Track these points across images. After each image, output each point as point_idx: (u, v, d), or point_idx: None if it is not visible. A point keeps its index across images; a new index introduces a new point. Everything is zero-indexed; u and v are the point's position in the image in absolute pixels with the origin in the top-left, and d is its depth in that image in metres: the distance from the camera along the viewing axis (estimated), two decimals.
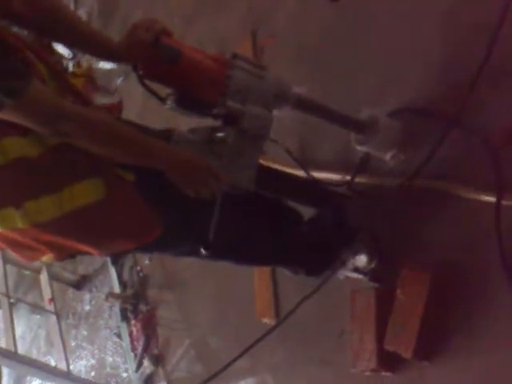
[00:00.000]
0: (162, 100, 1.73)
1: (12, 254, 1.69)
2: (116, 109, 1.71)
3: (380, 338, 1.86)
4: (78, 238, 1.58)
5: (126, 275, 3.53)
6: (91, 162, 1.50)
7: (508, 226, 1.66)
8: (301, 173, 2.15)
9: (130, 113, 3.27)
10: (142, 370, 3.28)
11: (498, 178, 1.69)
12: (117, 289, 3.52)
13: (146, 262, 3.36)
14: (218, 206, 1.63)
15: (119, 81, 3.00)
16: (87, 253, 1.66)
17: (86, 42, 1.63)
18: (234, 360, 2.08)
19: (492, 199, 1.70)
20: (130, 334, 3.47)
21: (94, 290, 3.96)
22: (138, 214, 1.59)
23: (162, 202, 1.62)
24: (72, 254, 1.67)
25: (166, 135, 1.68)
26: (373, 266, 1.96)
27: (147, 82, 1.71)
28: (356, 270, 1.99)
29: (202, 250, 1.66)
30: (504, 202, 1.67)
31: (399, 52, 2.10)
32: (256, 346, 2.12)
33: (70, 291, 4.20)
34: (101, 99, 1.72)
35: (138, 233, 1.62)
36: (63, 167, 1.50)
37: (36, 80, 1.36)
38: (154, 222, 1.61)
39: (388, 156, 2.03)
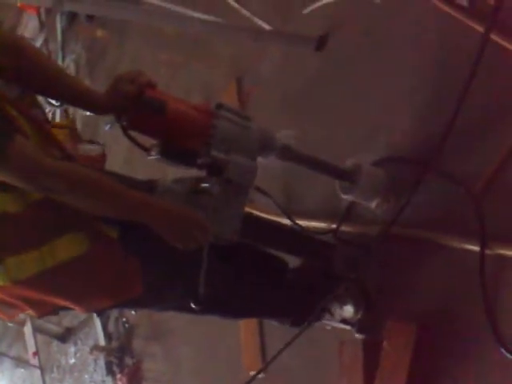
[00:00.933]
0: (146, 150, 1.73)
1: None
2: (99, 160, 1.70)
3: None
4: (58, 294, 1.56)
5: (111, 327, 3.47)
6: (73, 216, 1.49)
7: (492, 275, 1.66)
8: (286, 221, 2.15)
9: (117, 159, 3.31)
10: None
11: (481, 227, 1.70)
12: (102, 341, 3.46)
13: (132, 312, 3.31)
14: (206, 259, 1.61)
15: (106, 127, 3.01)
16: (69, 308, 1.63)
17: (70, 94, 1.63)
18: None
19: (476, 248, 1.70)
20: None
21: (78, 342, 3.88)
22: (120, 271, 1.57)
23: (145, 259, 1.60)
24: (53, 311, 1.64)
25: (150, 186, 1.68)
26: (359, 316, 1.94)
27: (131, 132, 1.72)
28: (343, 320, 1.97)
29: (193, 305, 1.64)
30: (488, 251, 1.67)
31: (382, 101, 2.14)
32: None
33: (55, 344, 4.12)
34: (84, 150, 1.72)
35: (118, 290, 1.60)
36: (45, 222, 1.48)
37: (19, 136, 1.36)
38: (136, 280, 1.59)
39: (373, 204, 2.03)
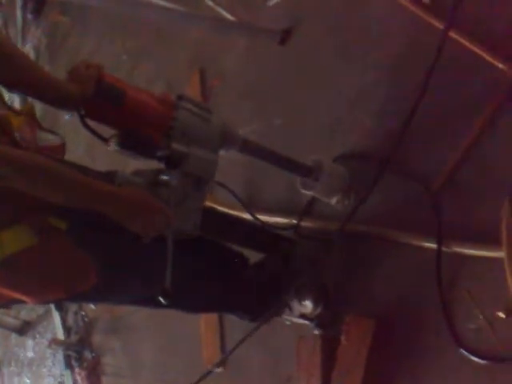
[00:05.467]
0: (105, 141, 1.69)
1: None
2: (58, 150, 1.65)
3: None
4: (8, 286, 1.52)
5: (70, 320, 3.41)
6: (21, 209, 1.45)
7: (449, 272, 1.67)
8: (247, 216, 2.14)
9: (78, 150, 3.24)
10: None
11: (438, 225, 1.71)
12: (61, 335, 3.40)
13: (92, 306, 3.26)
14: (171, 249, 1.58)
15: (67, 117, 2.95)
16: (21, 301, 1.59)
17: (40, 89, 1.56)
18: None
19: (433, 246, 1.71)
20: (75, 383, 3.33)
21: (37, 336, 3.81)
22: (71, 263, 1.54)
23: (98, 250, 1.57)
24: (5, 304, 1.60)
25: (108, 178, 1.64)
26: (318, 312, 1.94)
27: (90, 122, 1.68)
28: (302, 316, 1.97)
29: (161, 299, 1.61)
30: (445, 249, 1.69)
31: (345, 97, 2.14)
32: None
33: (13, 337, 4.03)
34: (42, 139, 1.67)
35: (70, 282, 1.57)
36: None
37: None
38: (88, 272, 1.56)
39: (333, 200, 2.03)
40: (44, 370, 3.70)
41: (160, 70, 3.13)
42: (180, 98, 1.77)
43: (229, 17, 2.63)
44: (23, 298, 1.56)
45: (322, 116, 2.20)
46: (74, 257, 1.54)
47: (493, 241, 1.55)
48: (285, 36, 2.46)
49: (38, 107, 1.73)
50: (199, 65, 2.88)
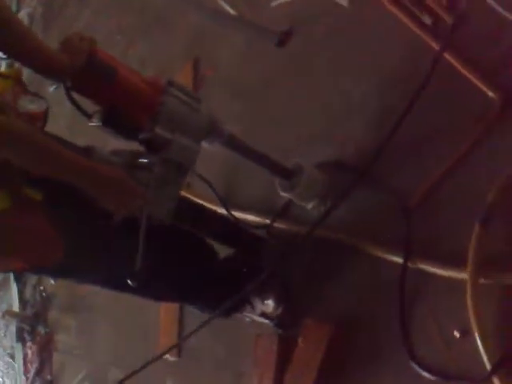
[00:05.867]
0: (88, 116, 1.68)
1: None
2: (40, 118, 1.63)
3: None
4: None
5: (27, 293, 3.37)
6: None
7: (411, 287, 1.70)
8: (222, 210, 2.14)
9: (58, 123, 3.20)
10: None
11: (407, 241, 1.74)
12: (16, 307, 3.35)
13: (51, 281, 3.22)
14: (143, 235, 1.57)
15: (52, 88, 2.92)
16: None
17: (33, 57, 1.54)
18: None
19: (399, 260, 1.73)
20: (25, 356, 3.29)
21: None
22: (40, 234, 1.53)
23: (68, 226, 1.55)
24: None
25: (87, 153, 1.63)
26: (279, 312, 1.95)
27: (75, 96, 1.66)
28: (262, 314, 1.98)
29: (129, 282, 1.60)
30: (410, 265, 1.71)
31: (335, 104, 2.16)
32: (155, 377, 2.04)
33: None
34: (26, 105, 1.64)
35: (36, 253, 1.55)
36: None
37: None
38: (56, 246, 1.55)
39: (309, 205, 2.05)
40: None
41: (154, 53, 3.11)
42: (170, 83, 1.76)
43: (231, 11, 2.63)
44: None
45: (308, 122, 2.22)
46: (43, 230, 1.52)
47: (458, 262, 1.58)
48: (283, 38, 2.47)
49: (24, 75, 1.70)
50: (194, 53, 2.88)
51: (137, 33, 3.34)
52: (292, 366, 1.83)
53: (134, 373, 1.96)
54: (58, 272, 1.68)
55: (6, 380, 3.45)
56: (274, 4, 2.58)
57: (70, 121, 3.15)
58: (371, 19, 2.17)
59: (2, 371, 3.49)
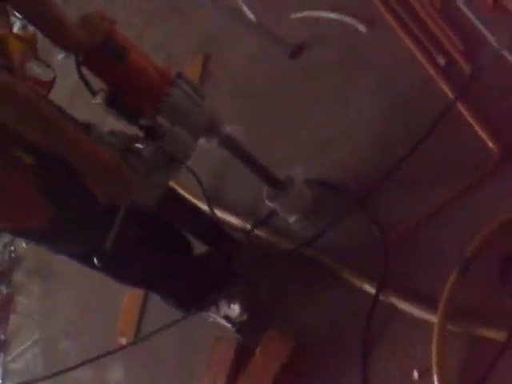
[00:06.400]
0: (93, 93, 1.69)
1: None
2: (45, 86, 1.63)
3: None
4: None
5: None
6: None
7: (379, 319, 1.72)
8: (205, 207, 2.15)
9: (60, 94, 3.18)
10: None
11: (383, 273, 1.76)
12: None
13: (23, 244, 3.21)
14: (121, 218, 1.58)
15: (60, 57, 2.91)
16: None
17: (50, 24, 1.54)
18: (74, 368, 2.00)
19: (372, 291, 1.76)
20: None
21: None
22: (27, 197, 1.52)
23: (56, 194, 1.55)
24: None
25: (85, 129, 1.64)
26: (243, 318, 1.97)
27: (84, 70, 1.67)
28: (226, 317, 1.99)
29: (95, 260, 1.61)
30: (382, 298, 1.73)
31: (338, 125, 2.17)
32: (105, 362, 2.06)
33: None
34: (34, 70, 1.64)
35: (21, 215, 1.55)
36: None
37: None
38: (42, 211, 1.54)
39: (292, 219, 2.07)
40: None
41: (167, 40, 3.12)
42: (179, 76, 1.78)
43: (250, 15, 2.65)
44: None
45: (308, 137, 2.24)
46: (31, 193, 1.51)
47: (430, 304, 1.60)
48: (296, 51, 2.49)
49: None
50: (206, 49, 2.89)
51: (155, 18, 3.34)
52: (246, 373, 1.84)
53: (91, 360, 1.97)
54: (38, 238, 1.68)
55: None
56: (293, 16, 2.61)
57: (72, 93, 3.15)
58: (386, 50, 2.20)
59: None
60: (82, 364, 2.00)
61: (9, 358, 3.02)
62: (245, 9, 2.67)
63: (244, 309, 1.96)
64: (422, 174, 1.84)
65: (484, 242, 1.59)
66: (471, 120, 1.83)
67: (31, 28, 1.75)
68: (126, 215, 1.61)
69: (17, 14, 1.52)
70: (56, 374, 2.09)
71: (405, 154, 1.85)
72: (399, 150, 1.89)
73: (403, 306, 1.68)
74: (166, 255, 1.92)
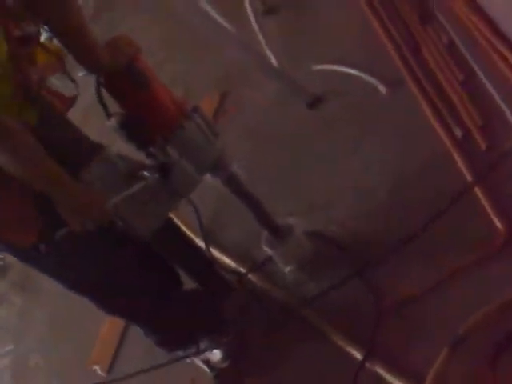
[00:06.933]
0: (108, 115, 1.68)
1: None
2: (67, 101, 1.62)
3: None
4: None
5: None
6: None
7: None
8: (201, 244, 2.11)
9: (75, 108, 3.18)
10: None
11: (371, 340, 1.72)
12: None
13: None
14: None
15: (80, 74, 2.90)
16: None
17: (78, 45, 1.53)
18: None
19: (359, 357, 1.71)
20: None
21: None
22: (20, 213, 1.50)
23: (50, 214, 1.51)
24: None
25: (95, 148, 1.63)
26: (223, 365, 1.91)
27: (103, 92, 1.66)
28: (206, 362, 1.93)
29: (41, 245, 1.55)
30: (368, 365, 1.69)
31: (345, 183, 2.16)
32: None
33: None
34: (56, 85, 1.64)
35: (10, 232, 1.52)
36: None
37: None
38: (31, 229, 1.52)
39: (287, 268, 2.03)
40: None
41: (187, 74, 3.13)
42: (195, 110, 1.77)
43: (273, 60, 2.66)
44: None
45: (314, 189, 2.22)
46: (25, 208, 1.49)
47: (415, 378, 1.57)
48: (314, 101, 2.49)
49: None
50: (224, 86, 2.90)
51: (177, 49, 3.36)
52: None
53: None
54: (23, 257, 1.64)
55: None
56: (315, 67, 2.63)
57: (85, 110, 3.14)
58: (403, 114, 2.20)
59: None
60: None
61: None
62: (268, 53, 2.69)
63: (226, 356, 1.90)
64: (425, 246, 1.81)
65: (478, 322, 1.56)
66: (484, 201, 1.81)
67: (55, 41, 1.75)
68: (114, 238, 1.58)
69: (45, 26, 1.52)
70: None
71: (412, 229, 1.82)
72: (406, 220, 1.88)
73: (389, 377, 1.64)
74: (153, 284, 1.87)
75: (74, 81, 1.62)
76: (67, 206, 1.47)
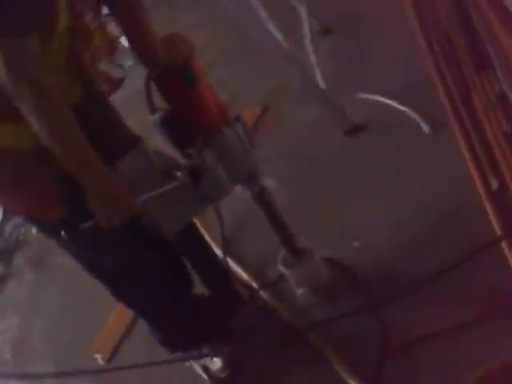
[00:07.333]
0: (153, 109, 1.69)
1: None
2: (114, 83, 1.64)
3: None
4: None
5: (7, 230, 3.32)
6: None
7: None
8: (219, 252, 2.11)
9: (117, 99, 3.22)
10: None
11: (374, 376, 1.70)
12: None
13: (34, 231, 3.18)
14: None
15: (128, 64, 2.95)
16: None
17: (138, 36, 1.58)
18: (39, 376, 1.94)
19: None
20: None
21: None
22: (47, 191, 1.51)
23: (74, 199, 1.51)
24: None
25: (134, 140, 1.64)
26: (222, 375, 1.90)
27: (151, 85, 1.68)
28: (205, 368, 1.92)
29: (63, 232, 1.56)
30: None
31: (372, 214, 2.15)
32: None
33: None
34: (106, 67, 1.66)
35: (34, 208, 1.54)
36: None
37: (35, 37, 1.27)
38: (59, 205, 1.53)
39: (299, 291, 2.02)
40: None
41: (233, 81, 3.14)
42: (237, 118, 1.78)
43: (320, 80, 2.66)
44: None
45: (342, 216, 2.22)
46: (51, 187, 1.51)
47: None
48: (354, 129, 2.49)
49: None
50: (268, 98, 2.92)
51: (228, 55, 3.39)
52: None
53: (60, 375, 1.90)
54: (47, 233, 1.66)
55: None
56: (360, 95, 2.62)
57: (126, 102, 3.16)
58: (442, 155, 2.19)
59: None
60: (47, 375, 1.93)
61: None
62: (317, 73, 2.70)
63: (226, 366, 1.89)
64: (443, 289, 1.79)
65: (480, 379, 1.54)
66: (510, 257, 1.78)
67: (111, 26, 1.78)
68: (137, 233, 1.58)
69: (108, 11, 1.54)
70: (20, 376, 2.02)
71: (433, 270, 1.79)
72: (428, 261, 1.86)
73: None
74: (166, 285, 1.87)
75: (121, 66, 1.64)
76: (96, 194, 1.46)
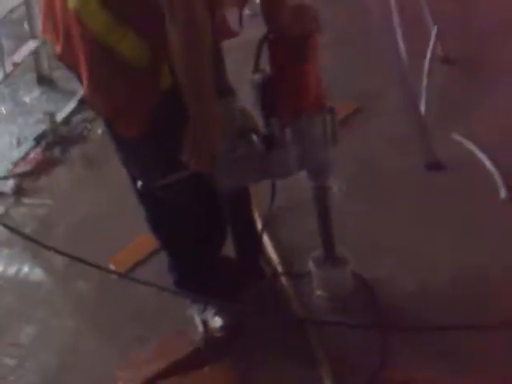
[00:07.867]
0: (256, 70, 1.70)
1: None
2: (230, 33, 1.65)
3: None
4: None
5: (76, 119, 3.38)
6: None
7: None
8: (258, 227, 2.12)
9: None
10: None
11: None
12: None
13: (99, 131, 3.22)
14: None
15: (249, 11, 2.91)
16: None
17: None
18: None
19: None
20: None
21: None
22: (146, 103, 1.55)
23: (161, 122, 1.57)
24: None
25: (229, 91, 1.65)
26: (218, 335, 1.92)
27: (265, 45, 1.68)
28: (204, 322, 1.95)
29: (139, 183, 1.62)
30: None
31: (418, 252, 2.15)
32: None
33: None
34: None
35: (122, 113, 1.58)
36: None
37: None
38: (145, 125, 1.56)
39: (318, 292, 2.02)
40: None
41: (338, 72, 3.04)
42: (331, 109, 1.77)
43: (422, 106, 2.61)
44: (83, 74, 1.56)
45: (393, 239, 2.21)
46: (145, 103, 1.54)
47: None
48: (435, 165, 2.46)
49: None
50: (363, 102, 2.89)
51: (344, 46, 3.30)
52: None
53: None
54: (122, 144, 1.70)
55: None
56: (453, 135, 2.58)
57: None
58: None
59: None
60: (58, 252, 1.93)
61: None
62: (423, 96, 2.66)
63: (224, 327, 1.92)
64: (456, 342, 1.77)
65: None
66: None
67: None
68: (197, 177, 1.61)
69: None
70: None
71: (450, 321, 1.80)
72: (450, 311, 1.87)
73: None
74: (201, 228, 1.89)
75: (241, 17, 1.65)
76: (199, 125, 1.50)
